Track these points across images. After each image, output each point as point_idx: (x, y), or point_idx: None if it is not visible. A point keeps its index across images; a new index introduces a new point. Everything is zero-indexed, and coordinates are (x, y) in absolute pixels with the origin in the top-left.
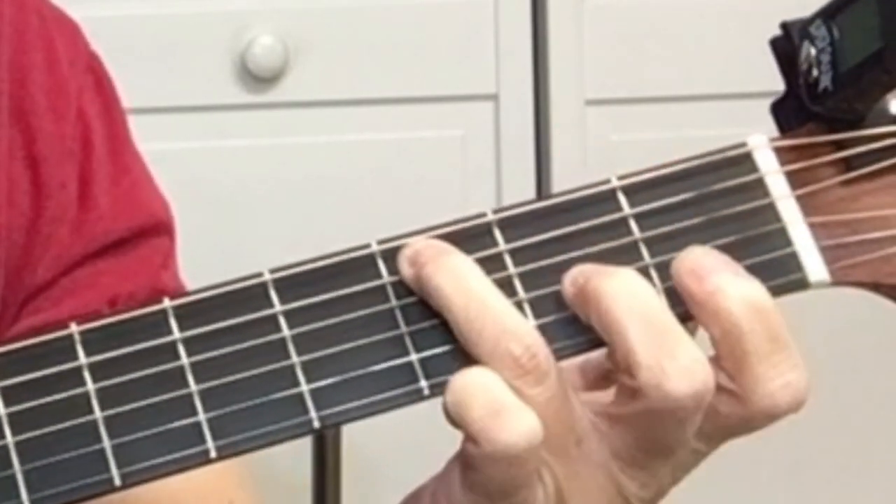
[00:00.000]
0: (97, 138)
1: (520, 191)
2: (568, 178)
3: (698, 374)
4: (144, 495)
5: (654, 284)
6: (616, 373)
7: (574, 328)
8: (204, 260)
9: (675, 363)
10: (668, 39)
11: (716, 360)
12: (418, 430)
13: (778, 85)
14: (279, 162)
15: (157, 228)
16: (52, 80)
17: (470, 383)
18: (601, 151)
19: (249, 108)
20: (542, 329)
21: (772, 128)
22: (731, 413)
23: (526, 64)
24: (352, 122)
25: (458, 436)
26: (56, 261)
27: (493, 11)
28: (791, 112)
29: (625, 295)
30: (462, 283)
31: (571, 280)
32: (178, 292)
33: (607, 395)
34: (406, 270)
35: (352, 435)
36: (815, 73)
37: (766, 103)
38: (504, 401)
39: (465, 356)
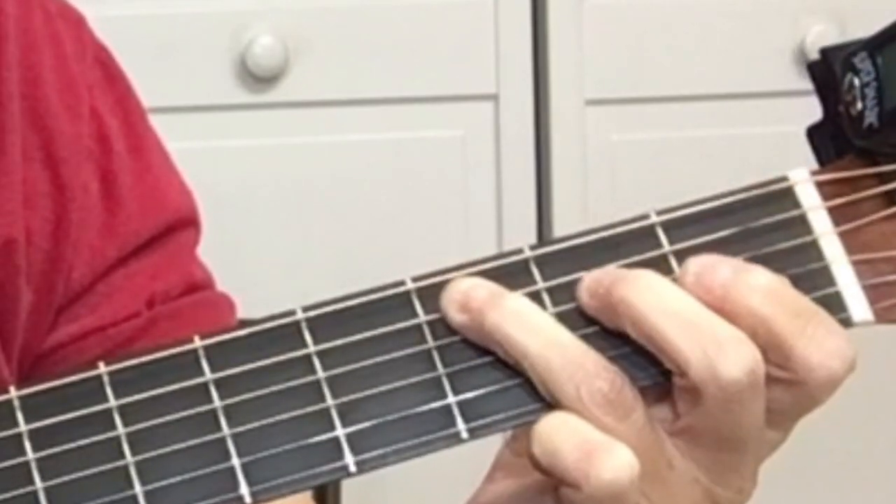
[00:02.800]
0: (114, 135)
1: (520, 191)
2: (568, 178)
3: (745, 351)
4: None
5: None
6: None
7: (623, 364)
8: (204, 260)
9: (721, 349)
10: (668, 39)
11: (761, 356)
12: None
13: (777, 85)
14: (279, 162)
15: (184, 222)
16: (63, 78)
17: (556, 429)
18: (601, 151)
19: (249, 108)
20: None
21: (771, 128)
22: (795, 399)
23: (526, 64)
24: (352, 122)
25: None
26: (90, 266)
27: (493, 11)
28: (828, 139)
29: (653, 299)
30: (533, 329)
31: (590, 292)
32: (208, 282)
33: (664, 411)
34: (457, 317)
35: None
36: (859, 106)
37: (766, 103)
38: (595, 440)
39: (504, 398)
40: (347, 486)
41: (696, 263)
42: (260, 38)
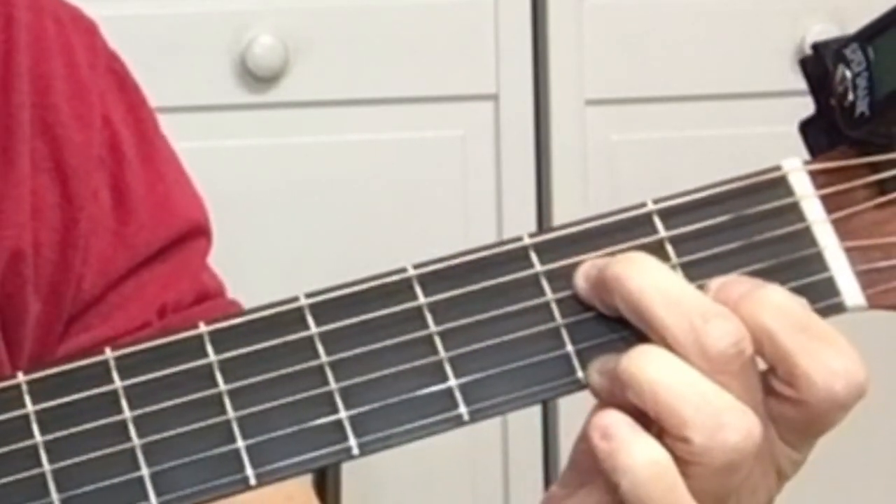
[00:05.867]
0: (126, 144)
1: (520, 191)
2: (568, 178)
3: (730, 325)
4: None
5: None
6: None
7: (620, 348)
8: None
9: (706, 322)
10: (668, 39)
11: (770, 372)
12: None
13: (777, 85)
14: (279, 162)
15: (196, 231)
16: (74, 86)
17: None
18: (601, 151)
19: (249, 108)
20: (579, 354)
21: (771, 128)
22: (802, 418)
23: (526, 64)
24: (352, 122)
25: (458, 440)
26: (101, 275)
27: (493, 11)
28: (821, 133)
29: (642, 276)
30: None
31: (585, 275)
32: (220, 290)
33: None
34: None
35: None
36: (850, 97)
37: (767, 103)
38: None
39: (505, 381)
40: (347, 483)
41: (721, 278)
42: (260, 38)
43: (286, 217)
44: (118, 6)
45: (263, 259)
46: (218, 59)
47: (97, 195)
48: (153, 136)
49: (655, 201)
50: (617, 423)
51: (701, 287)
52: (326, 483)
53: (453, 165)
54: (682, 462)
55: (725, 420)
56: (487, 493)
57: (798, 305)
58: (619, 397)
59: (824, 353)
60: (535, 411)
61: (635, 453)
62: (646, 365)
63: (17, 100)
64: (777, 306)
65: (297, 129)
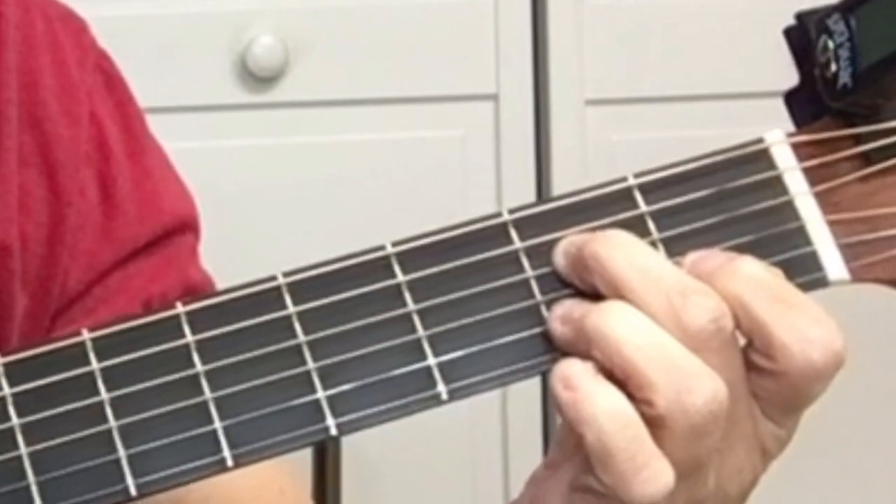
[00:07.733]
0: (113, 141)
1: (520, 191)
2: (568, 178)
3: (709, 302)
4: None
5: None
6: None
7: None
8: (203, 259)
9: (686, 299)
10: (668, 39)
11: (748, 346)
12: (419, 431)
13: (777, 85)
14: (279, 162)
15: (183, 226)
16: (63, 83)
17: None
18: (601, 151)
19: (249, 108)
20: None
21: (771, 128)
22: (782, 390)
23: (526, 64)
24: (352, 122)
25: (458, 434)
26: (87, 270)
27: (493, 11)
28: (806, 103)
29: (621, 254)
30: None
31: (564, 252)
32: (208, 284)
33: None
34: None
35: (352, 435)
36: (833, 67)
37: (767, 103)
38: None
39: (484, 359)
40: (347, 476)
41: (696, 253)
42: (260, 38)
43: (286, 217)
44: (118, 6)
45: (263, 259)
46: (218, 59)
47: (84, 191)
48: (140, 133)
49: (636, 175)
50: (580, 373)
51: (676, 263)
52: (326, 475)
53: (453, 165)
54: (647, 425)
55: (691, 384)
56: (487, 482)
57: (772, 276)
58: (580, 349)
59: (800, 322)
60: (536, 399)
61: (598, 402)
62: (614, 322)
63: (5, 95)
64: (751, 277)
65: (297, 129)
